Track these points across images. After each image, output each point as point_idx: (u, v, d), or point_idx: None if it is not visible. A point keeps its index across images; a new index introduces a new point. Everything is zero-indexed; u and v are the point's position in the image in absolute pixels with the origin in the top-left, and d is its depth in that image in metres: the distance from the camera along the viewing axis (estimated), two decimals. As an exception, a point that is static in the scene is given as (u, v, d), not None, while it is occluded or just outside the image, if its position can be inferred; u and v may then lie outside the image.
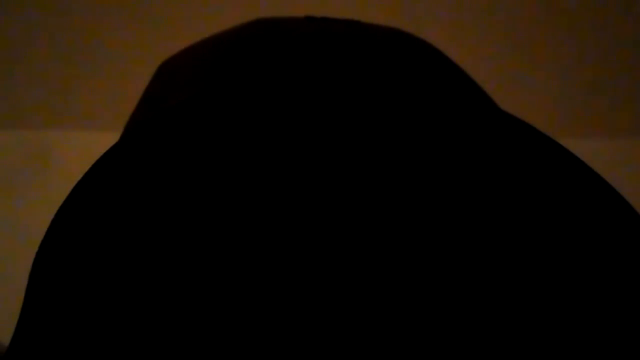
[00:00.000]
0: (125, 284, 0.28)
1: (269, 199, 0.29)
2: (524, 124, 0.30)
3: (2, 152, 0.72)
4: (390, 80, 0.31)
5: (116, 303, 0.27)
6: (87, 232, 0.28)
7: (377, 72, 0.33)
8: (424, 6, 0.72)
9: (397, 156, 0.30)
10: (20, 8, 0.73)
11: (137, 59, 0.71)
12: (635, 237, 0.29)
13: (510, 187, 0.29)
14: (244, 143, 0.29)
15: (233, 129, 0.29)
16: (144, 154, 0.29)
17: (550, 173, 0.30)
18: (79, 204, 0.28)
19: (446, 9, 0.73)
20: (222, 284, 0.28)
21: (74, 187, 0.28)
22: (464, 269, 0.29)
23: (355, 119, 0.30)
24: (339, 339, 0.28)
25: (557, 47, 0.74)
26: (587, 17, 0.73)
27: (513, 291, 0.29)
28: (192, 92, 0.33)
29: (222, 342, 0.28)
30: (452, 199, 0.29)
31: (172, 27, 0.72)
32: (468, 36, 0.73)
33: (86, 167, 0.29)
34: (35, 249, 0.28)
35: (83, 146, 0.71)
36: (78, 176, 0.29)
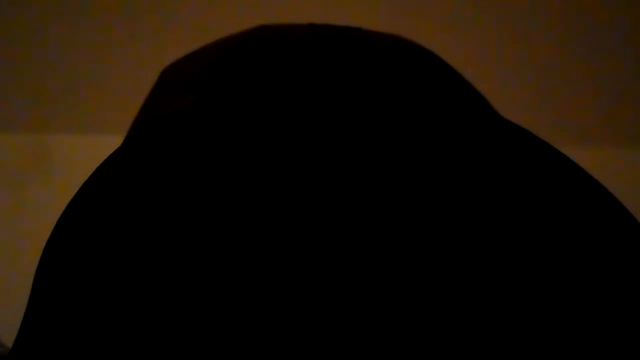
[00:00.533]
0: (129, 285, 0.28)
1: (270, 202, 0.29)
2: (523, 130, 0.30)
3: (4, 155, 0.71)
4: (390, 87, 0.31)
5: (120, 304, 0.28)
6: (92, 234, 0.28)
7: (378, 79, 0.33)
8: (425, 12, 0.73)
9: (396, 161, 0.30)
10: (23, 11, 0.73)
11: (140, 63, 0.72)
12: (632, 242, 0.29)
13: (506, 192, 0.30)
14: (246, 148, 0.29)
15: (235, 134, 0.30)
16: (148, 158, 0.29)
17: (547, 179, 0.30)
18: (84, 207, 0.28)
19: (447, 12, 0.73)
20: (225, 285, 0.28)
21: (79, 190, 0.29)
22: (462, 272, 0.29)
23: (355, 125, 0.30)
24: (338, 339, 0.28)
25: (558, 50, 0.74)
26: (587, 18, 0.73)
27: (510, 295, 0.29)
28: (194, 97, 0.33)
29: (224, 342, 0.28)
30: (450, 204, 0.29)
31: (175, 32, 0.72)
32: (468, 39, 0.73)
33: (88, 171, 0.29)
34: (38, 251, 0.29)
35: (85, 149, 0.71)
36: (80, 179, 0.29)
